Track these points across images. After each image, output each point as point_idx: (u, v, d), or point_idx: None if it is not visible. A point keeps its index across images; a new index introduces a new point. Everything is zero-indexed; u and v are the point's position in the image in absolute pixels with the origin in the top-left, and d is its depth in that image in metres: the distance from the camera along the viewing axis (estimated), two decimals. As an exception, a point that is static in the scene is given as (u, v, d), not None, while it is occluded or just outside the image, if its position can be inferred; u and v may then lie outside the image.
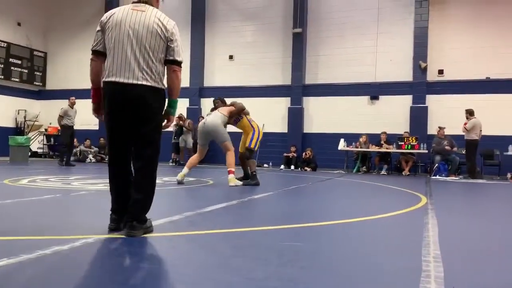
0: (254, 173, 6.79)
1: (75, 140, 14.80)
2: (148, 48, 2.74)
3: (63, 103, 17.05)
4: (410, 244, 2.85)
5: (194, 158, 6.74)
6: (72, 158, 14.63)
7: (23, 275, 1.92)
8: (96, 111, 2.97)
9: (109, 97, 2.77)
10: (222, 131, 6.49)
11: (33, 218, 3.51)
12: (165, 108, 2.92)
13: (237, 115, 6.82)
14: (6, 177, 6.88)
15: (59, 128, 11.52)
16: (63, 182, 6.46)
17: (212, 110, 7.00)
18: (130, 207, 2.73)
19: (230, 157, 6.47)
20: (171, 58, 2.81)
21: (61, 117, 11.18)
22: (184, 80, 15.45)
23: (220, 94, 14.59)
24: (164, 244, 2.65)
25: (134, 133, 2.80)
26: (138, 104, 2.73)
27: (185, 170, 6.53)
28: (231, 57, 15.16)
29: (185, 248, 2.55)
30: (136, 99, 2.73)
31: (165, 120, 2.94)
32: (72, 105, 11.40)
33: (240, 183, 6.44)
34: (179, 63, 2.85)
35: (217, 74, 15.37)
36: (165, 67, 2.84)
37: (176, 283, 1.85)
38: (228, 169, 6.43)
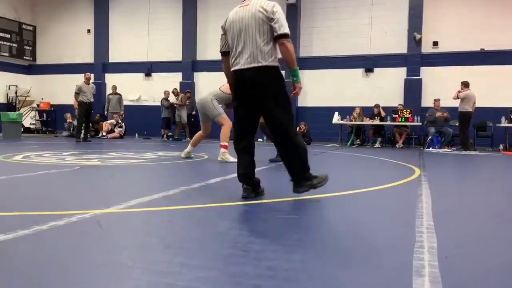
0: None
1: (68, 115, 14.71)
2: (258, 35, 3.11)
3: (55, 78, 16.97)
4: (404, 215, 2.89)
5: (198, 135, 6.69)
6: (65, 134, 14.61)
7: (21, 250, 1.93)
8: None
9: (234, 84, 3.26)
10: (212, 106, 6.25)
11: (29, 194, 3.51)
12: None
13: None
14: (-1, 153, 6.84)
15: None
16: (57, 158, 6.44)
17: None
18: (287, 164, 3.27)
19: (224, 130, 6.30)
20: (276, 34, 3.12)
21: (76, 94, 10.83)
22: (177, 54, 15.36)
23: (213, 68, 14.55)
24: (161, 218, 2.67)
25: (260, 110, 3.22)
26: (254, 84, 3.13)
27: (189, 148, 6.62)
28: (224, 29, 14.92)
29: (182, 222, 2.56)
30: (252, 81, 3.12)
31: (292, 89, 3.33)
32: (87, 80, 11.04)
33: (232, 159, 6.12)
34: (285, 35, 3.12)
35: (210, 47, 15.15)
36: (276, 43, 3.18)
37: (175, 255, 1.87)
38: (220, 144, 6.29)
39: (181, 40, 15.22)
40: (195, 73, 15.22)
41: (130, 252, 1.90)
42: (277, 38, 3.13)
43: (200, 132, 6.69)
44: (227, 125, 6.31)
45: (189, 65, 15.15)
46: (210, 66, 14.83)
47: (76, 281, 1.57)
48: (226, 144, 6.28)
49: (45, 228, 2.25)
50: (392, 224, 2.66)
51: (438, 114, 11.33)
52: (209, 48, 15.16)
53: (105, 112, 14.65)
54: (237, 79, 3.21)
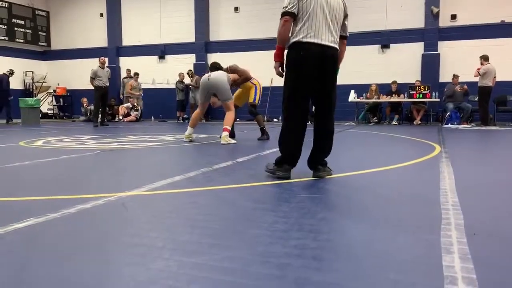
0: (264, 128, 6.82)
1: (84, 100, 14.85)
2: (338, 18, 3.19)
3: (70, 63, 17.08)
4: (427, 192, 2.86)
5: (196, 115, 6.49)
6: (82, 118, 14.78)
7: (52, 232, 1.97)
8: (280, 68, 3.30)
9: (306, 56, 3.12)
10: (227, 87, 6.26)
11: (53, 178, 3.57)
12: None
13: (241, 83, 6.70)
14: (20, 139, 6.97)
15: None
16: (77, 142, 6.53)
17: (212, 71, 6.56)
18: (322, 154, 3.34)
19: (229, 115, 6.30)
20: (344, 34, 3.33)
21: (92, 79, 10.91)
22: (190, 35, 15.27)
23: (226, 49, 14.46)
24: (185, 200, 2.69)
25: (319, 90, 3.21)
26: (330, 63, 3.17)
27: (189, 130, 6.43)
28: (236, 9, 14.77)
29: (205, 203, 2.58)
30: (331, 58, 3.16)
31: None
32: (102, 65, 11.10)
33: (233, 141, 6.24)
34: (347, 38, 3.38)
35: (223, 28, 15.04)
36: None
37: (202, 235, 1.89)
38: (224, 127, 6.25)
39: (193, 21, 15.11)
40: (208, 54, 15.15)
41: (158, 234, 1.93)
42: (343, 38, 3.32)
43: (198, 111, 6.49)
44: (233, 111, 6.34)
45: (202, 46, 15.08)
46: (223, 46, 14.75)
47: (107, 262, 1.60)
48: (229, 128, 6.28)
49: (73, 211, 2.30)
50: (416, 202, 2.64)
51: (457, 87, 11.09)
52: (221, 28, 15.05)
53: (121, 96, 14.74)
54: (312, 52, 3.10)
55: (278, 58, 3.25)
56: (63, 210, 2.30)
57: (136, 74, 14.31)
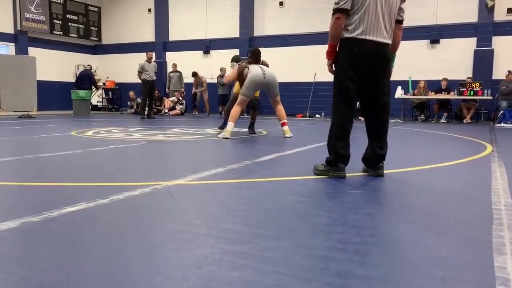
0: (254, 123, 7.01)
1: (131, 93, 15.31)
2: (393, 11, 3.02)
3: (119, 57, 17.66)
4: (479, 192, 2.75)
5: (236, 111, 6.16)
6: (130, 111, 15.25)
7: (101, 217, 2.05)
8: (332, 66, 3.15)
9: (360, 54, 2.97)
10: (278, 85, 6.38)
11: (103, 166, 3.72)
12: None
13: None
14: (72, 129, 7.29)
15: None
16: (125, 133, 6.75)
17: (256, 62, 6.43)
18: (382, 151, 3.16)
19: (283, 110, 6.46)
20: (400, 18, 3.12)
21: (139, 72, 11.26)
22: (234, 30, 15.39)
23: (270, 44, 14.45)
24: (228, 191, 2.73)
25: (372, 87, 3.09)
26: (385, 60, 3.06)
27: (231, 126, 6.07)
28: (281, 3, 14.70)
29: (247, 194, 2.61)
30: (385, 56, 3.04)
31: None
32: (149, 59, 11.43)
33: (291, 135, 6.27)
34: (403, 21, 3.18)
35: (267, 23, 15.02)
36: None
37: (244, 225, 1.91)
38: (282, 121, 6.36)
39: (238, 16, 15.20)
40: (252, 49, 15.19)
41: (202, 221, 1.97)
42: (400, 22, 3.13)
43: (239, 107, 6.16)
44: (281, 104, 6.45)
45: (246, 41, 15.14)
46: (267, 41, 14.74)
47: (154, 246, 1.65)
48: (286, 121, 6.45)
49: (121, 197, 2.38)
50: (466, 200, 2.54)
51: None
52: (266, 23, 15.04)
53: (166, 90, 15.07)
54: (366, 48, 2.96)
55: (330, 56, 3.09)
56: (112, 196, 2.39)
57: (195, 74, 14.58)
